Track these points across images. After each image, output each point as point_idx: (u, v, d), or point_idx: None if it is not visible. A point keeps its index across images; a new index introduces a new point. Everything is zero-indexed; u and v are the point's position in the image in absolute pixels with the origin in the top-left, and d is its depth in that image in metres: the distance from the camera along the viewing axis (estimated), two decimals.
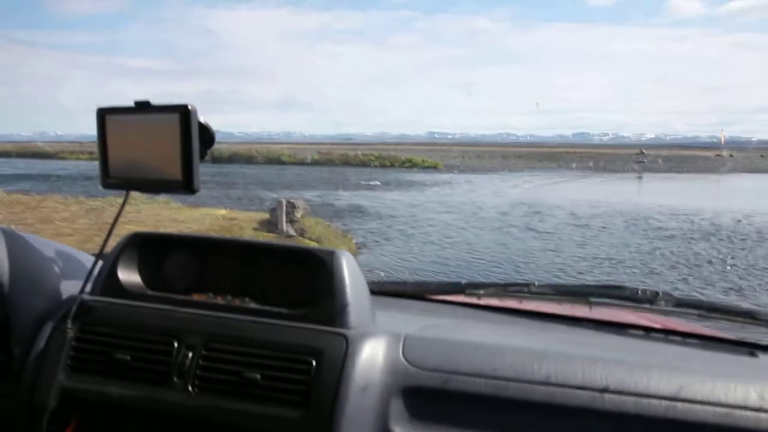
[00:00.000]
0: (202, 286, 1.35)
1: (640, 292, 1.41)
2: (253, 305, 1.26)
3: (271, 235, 11.76)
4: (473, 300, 1.52)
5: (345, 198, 22.04)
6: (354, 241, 12.56)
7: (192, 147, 1.08)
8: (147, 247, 1.35)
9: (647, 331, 1.42)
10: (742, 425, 1.02)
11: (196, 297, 1.29)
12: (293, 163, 50.86)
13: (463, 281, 1.55)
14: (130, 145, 1.14)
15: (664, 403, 1.03)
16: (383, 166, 48.13)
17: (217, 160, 47.20)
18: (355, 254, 11.77)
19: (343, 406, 1.07)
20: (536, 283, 1.49)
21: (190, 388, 1.14)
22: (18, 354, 1.23)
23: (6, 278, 1.23)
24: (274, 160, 52.39)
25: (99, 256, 1.27)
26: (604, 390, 1.05)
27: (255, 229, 12.29)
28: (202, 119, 1.10)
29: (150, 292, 1.31)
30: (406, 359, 1.13)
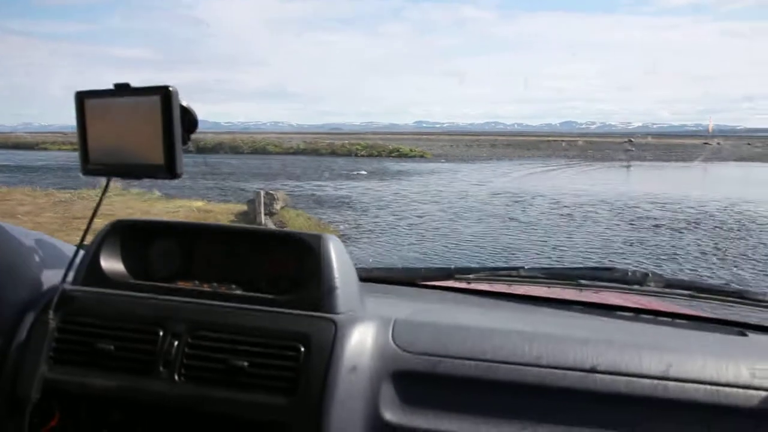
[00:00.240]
0: (187, 274, 1.33)
1: (629, 273, 1.42)
2: (239, 292, 1.24)
3: None
4: (462, 285, 1.52)
5: (330, 188, 21.57)
6: (338, 233, 12.18)
7: (174, 130, 1.05)
8: (130, 235, 1.32)
9: (637, 313, 1.41)
10: (732, 403, 1.03)
11: (181, 284, 1.27)
12: (279, 153, 50.30)
13: (452, 267, 1.57)
14: (110, 130, 1.10)
15: (654, 382, 1.04)
16: (370, 155, 47.62)
17: (202, 150, 46.67)
18: None
19: (332, 392, 1.06)
20: (526, 267, 1.50)
21: (176, 377, 1.12)
22: None
23: None
24: (260, 150, 51.82)
25: (80, 245, 1.24)
26: (595, 370, 1.06)
27: (231, 222, 11.84)
28: (184, 102, 1.06)
29: (133, 281, 1.29)
30: (395, 343, 1.13)
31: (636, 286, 1.43)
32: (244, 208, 12.85)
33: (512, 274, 1.51)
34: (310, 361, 1.09)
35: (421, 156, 47.26)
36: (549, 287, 1.52)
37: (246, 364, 1.10)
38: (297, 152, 50.62)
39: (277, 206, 12.78)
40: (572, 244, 11.26)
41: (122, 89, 1.08)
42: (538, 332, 1.16)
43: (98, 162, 1.12)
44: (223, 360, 1.11)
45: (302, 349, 1.10)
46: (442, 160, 42.25)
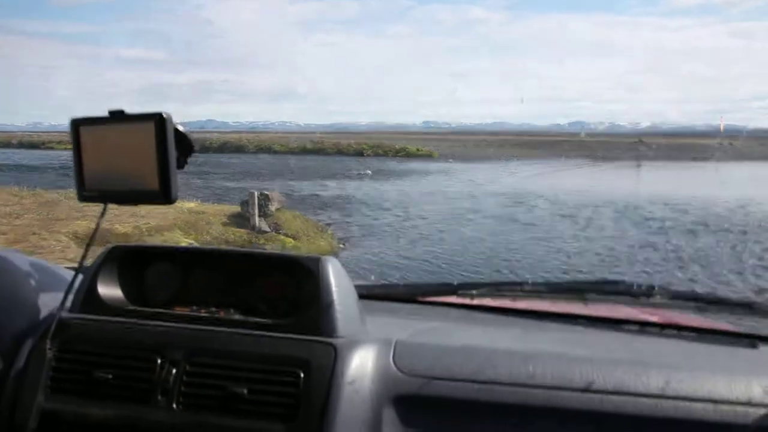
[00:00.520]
0: (185, 299, 1.31)
1: (635, 286, 1.40)
2: (237, 317, 1.23)
3: (241, 230, 10.78)
4: (466, 301, 1.50)
5: (333, 189, 21.04)
6: (336, 236, 11.58)
7: (168, 155, 1.06)
8: (127, 260, 1.32)
9: (643, 326, 1.38)
10: (743, 422, 1.00)
11: (178, 310, 1.26)
12: (285, 153, 49.85)
13: (455, 282, 1.53)
14: (105, 156, 1.12)
15: (660, 401, 1.02)
16: (377, 155, 47.15)
17: (207, 149, 46.44)
18: (336, 250, 10.87)
19: (332, 417, 1.04)
20: (530, 281, 1.48)
21: (174, 405, 1.11)
22: None
23: None
24: (266, 150, 51.41)
25: (78, 269, 1.24)
26: (598, 391, 1.04)
27: (224, 224, 11.31)
28: (180, 127, 1.08)
29: (131, 307, 1.28)
30: (396, 366, 1.11)
31: (643, 298, 1.38)
32: (238, 209, 12.26)
33: (516, 288, 1.47)
34: (309, 387, 1.07)
35: (429, 155, 46.74)
36: (554, 301, 1.48)
37: (245, 390, 1.08)
38: (303, 152, 50.17)
39: (272, 207, 12.14)
40: (586, 247, 10.68)
41: (117, 116, 1.09)
42: (541, 352, 1.14)
43: (94, 188, 1.13)
44: (222, 387, 1.10)
45: (302, 374, 1.08)
46: (450, 160, 41.68)
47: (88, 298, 1.27)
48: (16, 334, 1.23)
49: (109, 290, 1.29)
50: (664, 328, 1.37)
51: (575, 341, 1.33)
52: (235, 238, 10.73)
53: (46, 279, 1.35)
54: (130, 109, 1.10)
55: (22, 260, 1.34)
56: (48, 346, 1.17)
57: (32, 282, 1.31)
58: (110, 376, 1.14)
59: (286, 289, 1.27)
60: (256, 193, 11.61)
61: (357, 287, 1.26)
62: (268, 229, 11.26)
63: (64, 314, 1.23)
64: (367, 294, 1.40)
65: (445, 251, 10.52)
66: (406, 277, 8.68)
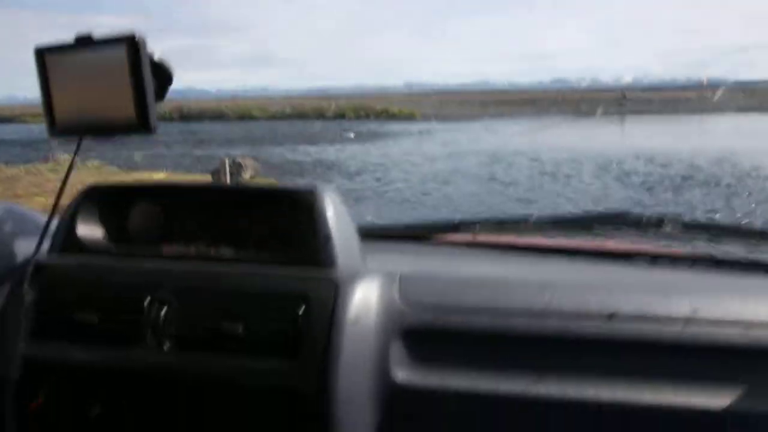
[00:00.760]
0: (171, 238, 1.25)
1: (644, 217, 1.38)
2: (228, 253, 1.19)
3: None
4: (468, 238, 1.47)
5: (314, 153, 20.50)
6: None
7: (144, 80, 1.00)
8: (106, 200, 1.27)
9: (654, 258, 1.32)
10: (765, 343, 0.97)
11: (166, 248, 1.22)
12: (265, 118, 48.98)
13: (457, 219, 1.50)
14: (76, 86, 1.06)
15: (681, 326, 0.99)
16: (358, 117, 46.39)
17: (186, 117, 45.54)
18: None
19: (337, 353, 1.00)
20: (534, 216, 1.44)
21: (165, 345, 1.07)
22: None
23: None
24: (246, 116, 50.47)
25: (53, 213, 1.19)
26: (616, 317, 1.00)
27: None
28: (157, 54, 1.01)
29: (114, 247, 1.24)
30: (402, 299, 1.08)
31: (652, 230, 1.36)
32: (209, 178, 11.67)
33: (520, 223, 1.45)
34: (310, 322, 1.03)
35: (411, 116, 46.05)
36: (560, 236, 1.44)
37: (240, 327, 1.04)
38: (283, 117, 49.35)
39: (246, 175, 11.68)
40: (567, 207, 10.41)
41: (85, 41, 1.02)
42: (557, 281, 1.09)
43: (66, 122, 1.07)
44: (215, 325, 1.05)
45: (301, 310, 1.04)
46: (432, 120, 41.10)
47: (66, 240, 1.22)
48: None
49: (88, 231, 1.23)
50: (676, 260, 1.31)
51: (586, 273, 1.29)
52: None
53: (18, 223, 1.30)
54: None
55: None
56: (25, 290, 1.13)
57: (5, 227, 1.27)
58: (96, 319, 1.10)
59: (279, 223, 1.20)
60: (227, 160, 11.11)
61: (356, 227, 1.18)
62: None
63: (41, 257, 1.18)
64: (366, 234, 1.28)
65: (426, 215, 10.20)
66: None
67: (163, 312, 1.08)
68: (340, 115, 47.50)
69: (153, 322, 1.08)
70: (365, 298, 1.06)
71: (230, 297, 1.08)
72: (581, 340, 1.00)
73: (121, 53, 0.99)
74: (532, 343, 1.02)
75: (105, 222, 1.26)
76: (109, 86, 1.02)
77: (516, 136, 26.33)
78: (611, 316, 1.00)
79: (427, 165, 16.46)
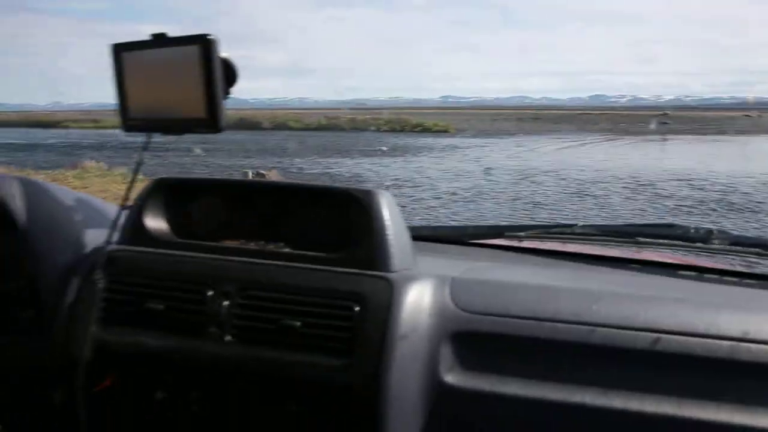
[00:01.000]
0: (232, 232, 1.29)
1: (692, 230, 1.34)
2: (287, 250, 1.21)
3: None
4: (513, 243, 1.46)
5: (346, 166, 20.24)
6: None
7: (215, 81, 1.01)
8: (173, 193, 1.31)
9: (701, 272, 1.32)
10: None
11: (227, 243, 1.25)
12: (300, 129, 49.14)
13: (503, 224, 1.54)
14: (149, 83, 1.09)
15: (733, 343, 0.96)
16: (393, 130, 46.19)
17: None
18: None
19: (390, 353, 1.02)
20: (580, 224, 1.43)
21: (227, 337, 1.10)
22: (47, 308, 1.22)
23: (28, 228, 1.23)
24: (282, 126, 50.71)
25: (123, 205, 1.25)
26: (667, 331, 0.99)
27: None
28: (224, 53, 1.02)
29: (179, 240, 1.27)
30: (454, 302, 1.08)
31: (699, 244, 1.32)
32: None
33: (566, 231, 1.43)
34: (365, 321, 1.05)
35: (445, 130, 45.69)
36: (605, 245, 1.42)
37: (299, 323, 1.07)
38: (318, 128, 49.44)
39: None
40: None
41: (160, 40, 1.04)
42: (605, 291, 1.09)
43: (138, 117, 1.09)
44: (275, 320, 1.08)
45: (357, 308, 1.06)
46: (467, 135, 40.65)
47: (135, 231, 1.25)
48: (64, 268, 1.23)
49: (155, 223, 1.27)
50: (724, 275, 1.28)
51: (631, 285, 1.27)
52: None
53: (90, 213, 1.34)
54: None
55: (67, 194, 1.33)
56: (99, 277, 1.16)
57: (78, 216, 1.31)
58: (162, 308, 1.13)
59: (336, 223, 1.23)
60: (250, 172, 10.91)
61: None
62: None
63: (113, 247, 1.22)
64: (414, 235, 1.27)
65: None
66: None
67: (225, 305, 1.11)
68: (375, 128, 47.32)
69: (215, 315, 1.11)
70: (418, 300, 1.07)
71: (289, 293, 1.10)
72: (628, 352, 0.99)
73: (194, 52, 1.00)
74: (579, 352, 1.01)
75: (171, 214, 1.29)
76: (181, 84, 1.03)
77: (550, 154, 25.70)
78: (663, 331, 0.98)
79: (460, 182, 16.04)
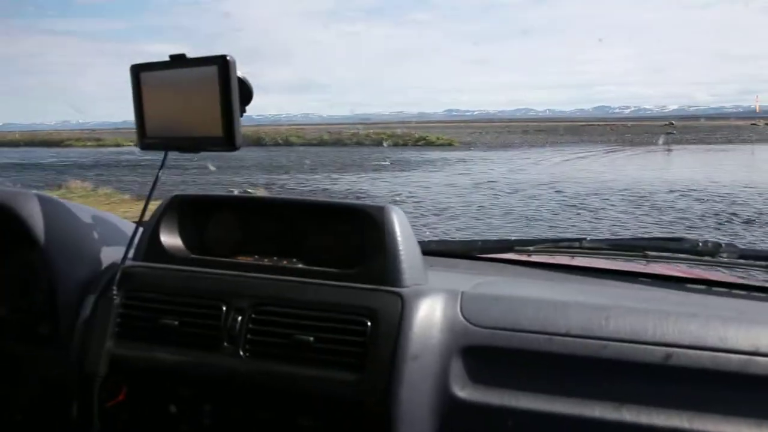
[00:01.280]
0: (247, 248, 1.31)
1: (700, 244, 1.34)
2: (301, 266, 1.23)
3: None
4: (523, 257, 1.47)
5: (346, 181, 19.83)
6: None
7: (232, 101, 1.03)
8: (188, 210, 1.33)
9: (710, 286, 1.33)
10: None
11: (241, 259, 1.27)
12: (303, 144, 48.89)
13: (512, 238, 1.52)
14: (167, 102, 1.11)
15: (743, 357, 0.97)
16: (396, 144, 45.90)
17: None
18: None
19: (401, 367, 1.03)
20: (588, 239, 1.43)
21: (241, 352, 1.12)
22: (64, 322, 1.24)
23: (46, 245, 1.26)
24: (284, 142, 50.49)
25: (140, 221, 1.26)
26: (677, 345, 0.99)
27: None
28: (240, 73, 1.04)
29: (194, 256, 1.29)
30: (464, 317, 1.09)
31: (707, 258, 1.32)
32: None
33: (574, 245, 1.43)
34: (377, 336, 1.06)
35: (449, 144, 45.39)
36: (614, 259, 1.43)
37: (312, 339, 1.08)
38: (321, 143, 49.18)
39: None
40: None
41: (178, 60, 1.06)
42: (614, 305, 1.09)
43: (155, 135, 1.11)
44: (289, 335, 1.09)
45: (369, 323, 1.07)
46: (471, 148, 40.30)
47: (151, 248, 1.27)
48: (81, 283, 1.26)
49: (171, 240, 1.29)
50: (733, 289, 1.30)
51: (640, 298, 1.27)
52: None
53: (107, 229, 1.37)
54: None
55: (84, 211, 1.35)
56: (114, 293, 1.17)
57: (95, 233, 1.33)
58: (177, 323, 1.15)
59: (349, 239, 1.24)
60: (235, 192, 10.56)
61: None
62: None
63: (129, 263, 1.23)
64: (424, 250, 1.28)
65: None
66: None
67: (239, 320, 1.13)
68: (378, 142, 47.04)
69: (230, 330, 1.12)
70: (429, 315, 1.08)
71: (302, 309, 1.11)
72: (639, 367, 0.99)
73: (212, 73, 1.02)
74: (589, 367, 1.01)
75: (186, 231, 1.31)
76: (199, 104, 1.04)
77: (555, 166, 25.28)
78: (674, 345, 0.99)
79: (461, 197, 15.63)
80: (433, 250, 1.50)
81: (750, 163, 26.65)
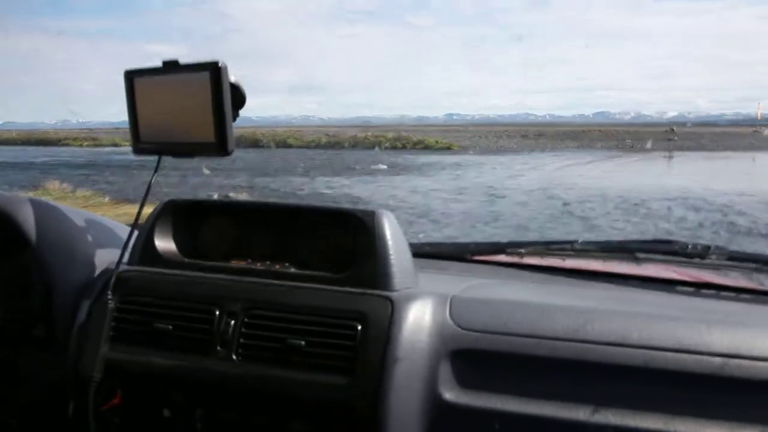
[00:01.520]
0: (240, 252, 1.32)
1: (690, 246, 1.35)
2: (293, 270, 1.24)
3: None
4: (514, 259, 1.48)
5: (340, 186, 19.43)
6: None
7: (224, 106, 1.04)
8: (182, 215, 1.34)
9: (699, 288, 1.34)
10: None
11: (234, 263, 1.28)
12: (300, 146, 48.49)
13: (503, 240, 1.53)
14: (160, 108, 1.12)
15: (724, 360, 0.98)
16: (395, 147, 45.64)
17: None
18: None
19: (390, 371, 1.04)
20: (580, 241, 1.44)
21: (233, 356, 1.13)
22: (60, 325, 1.26)
23: (41, 249, 1.27)
24: (281, 144, 50.09)
25: (134, 225, 1.26)
26: (662, 348, 1.01)
27: None
28: (233, 78, 1.05)
29: (188, 260, 1.30)
30: (453, 321, 1.10)
31: (697, 260, 1.33)
32: None
33: (566, 247, 1.44)
34: (367, 340, 1.07)
35: (448, 148, 45.13)
36: (604, 261, 1.44)
37: (303, 343, 1.09)
38: (318, 146, 48.78)
39: None
40: None
41: (171, 66, 1.07)
42: (601, 309, 1.11)
43: (149, 140, 1.13)
44: (280, 339, 1.10)
45: (359, 327, 1.08)
46: (470, 152, 39.95)
47: (145, 252, 1.28)
48: (77, 287, 1.27)
49: (165, 244, 1.30)
50: (721, 291, 1.31)
51: (629, 300, 1.29)
52: None
53: (101, 233, 1.37)
54: None
55: (78, 215, 1.36)
56: (109, 298, 1.19)
57: (89, 237, 1.33)
58: (170, 327, 1.16)
59: (341, 243, 1.25)
60: (215, 196, 10.21)
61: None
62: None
63: (124, 267, 1.24)
64: (416, 252, 1.29)
65: None
66: None
67: (232, 324, 1.13)
68: (377, 145, 46.63)
69: (223, 334, 1.13)
70: (419, 319, 1.08)
71: (294, 313, 1.12)
72: (622, 369, 1.00)
73: (204, 79, 1.02)
74: (575, 369, 1.02)
75: (180, 235, 1.32)
76: (192, 109, 1.05)
77: (555, 172, 24.88)
78: (658, 348, 1.00)
79: (460, 203, 15.21)
80: (425, 252, 1.51)
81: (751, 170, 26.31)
